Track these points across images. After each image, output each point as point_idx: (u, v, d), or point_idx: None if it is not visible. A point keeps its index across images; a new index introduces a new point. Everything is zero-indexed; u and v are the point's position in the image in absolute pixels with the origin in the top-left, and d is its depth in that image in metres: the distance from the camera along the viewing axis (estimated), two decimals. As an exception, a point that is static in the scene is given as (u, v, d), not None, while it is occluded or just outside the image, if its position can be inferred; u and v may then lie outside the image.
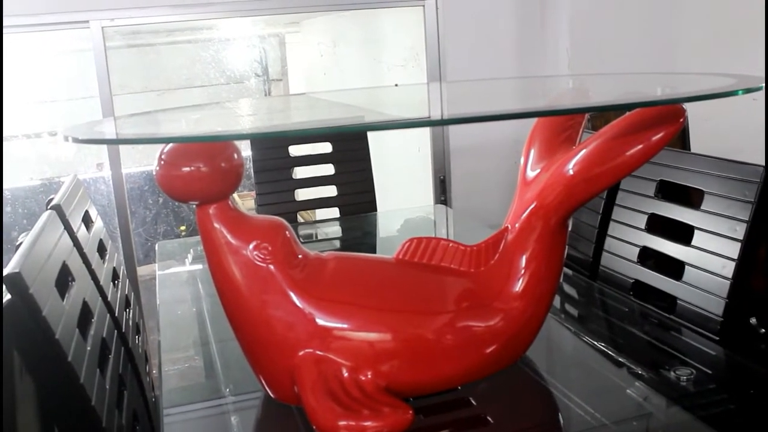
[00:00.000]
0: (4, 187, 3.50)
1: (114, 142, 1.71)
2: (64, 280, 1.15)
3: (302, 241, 2.02)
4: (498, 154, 2.85)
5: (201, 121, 1.24)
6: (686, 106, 0.96)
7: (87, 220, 1.54)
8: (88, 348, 1.08)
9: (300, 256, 1.03)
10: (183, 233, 4.32)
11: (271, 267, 0.99)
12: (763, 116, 2.31)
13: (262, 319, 1.00)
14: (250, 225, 1.01)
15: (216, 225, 1.00)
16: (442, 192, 2.88)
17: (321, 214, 2.65)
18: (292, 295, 0.99)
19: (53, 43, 3.64)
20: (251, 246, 0.99)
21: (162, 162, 0.96)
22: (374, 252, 1.91)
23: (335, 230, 2.17)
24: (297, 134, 1.99)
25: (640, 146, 0.97)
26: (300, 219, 2.27)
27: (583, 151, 1.02)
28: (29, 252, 1.02)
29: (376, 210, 2.22)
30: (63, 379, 0.96)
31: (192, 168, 0.95)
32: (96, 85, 2.49)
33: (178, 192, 0.98)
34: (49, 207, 1.33)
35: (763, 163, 1.28)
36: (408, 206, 2.49)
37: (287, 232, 1.03)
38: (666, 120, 0.97)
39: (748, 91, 0.91)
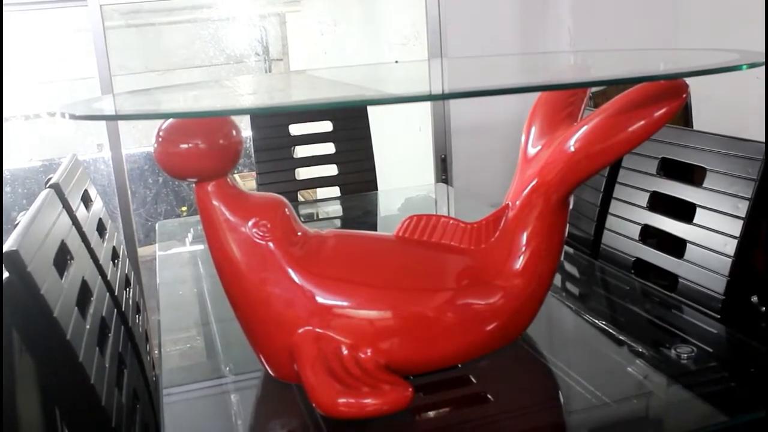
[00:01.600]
0: (4, 167, 3.50)
1: (110, 118, 1.70)
2: (62, 258, 1.14)
3: (303, 220, 2.01)
4: (500, 133, 2.83)
5: (199, 99, 1.23)
6: (689, 83, 0.95)
7: (86, 200, 1.53)
8: (87, 326, 1.08)
9: (299, 234, 1.02)
10: (184, 213, 4.31)
11: (270, 244, 0.99)
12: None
13: (261, 297, 0.99)
14: (249, 202, 1.00)
15: (215, 202, 0.99)
16: (444, 171, 2.87)
17: (322, 193, 2.64)
18: (291, 272, 0.99)
19: (52, 22, 3.61)
20: (250, 223, 0.98)
21: (160, 139, 0.95)
22: (375, 231, 1.91)
23: (336, 209, 2.17)
24: (296, 109, 1.98)
25: (642, 122, 0.97)
26: (301, 198, 2.27)
27: (585, 128, 1.01)
28: (27, 230, 1.01)
29: (376, 189, 2.22)
30: (62, 357, 0.96)
31: (190, 145, 0.94)
32: (95, 65, 2.47)
33: (176, 169, 0.97)
34: (47, 186, 1.33)
35: (764, 140, 1.28)
36: (409, 185, 2.48)
37: (286, 210, 1.02)
38: (668, 95, 0.96)
39: (751, 66, 0.90)
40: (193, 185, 1.00)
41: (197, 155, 0.95)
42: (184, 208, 4.32)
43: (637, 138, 0.98)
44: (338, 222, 2.06)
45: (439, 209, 2.11)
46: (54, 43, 3.75)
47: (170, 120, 0.96)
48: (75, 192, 1.45)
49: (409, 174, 3.28)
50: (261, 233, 0.98)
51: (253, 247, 0.98)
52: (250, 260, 0.99)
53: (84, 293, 1.15)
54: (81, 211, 1.42)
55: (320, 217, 2.09)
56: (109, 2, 2.45)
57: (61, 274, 1.07)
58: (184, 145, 0.94)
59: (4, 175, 3.50)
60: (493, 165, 2.84)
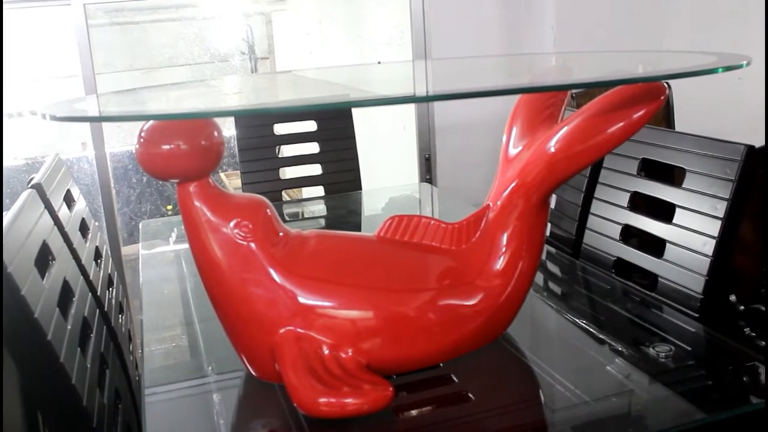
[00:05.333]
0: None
1: (92, 120, 1.69)
2: (44, 259, 1.14)
3: (288, 219, 2.02)
4: (484, 132, 2.84)
5: (183, 99, 1.23)
6: (672, 85, 0.96)
7: (69, 200, 1.53)
8: (69, 327, 1.07)
9: (281, 234, 1.03)
10: (169, 212, 4.30)
11: (252, 245, 0.99)
12: (748, 95, 2.32)
13: (243, 297, 1.00)
14: (230, 203, 1.01)
15: (196, 203, 0.99)
16: (428, 170, 2.88)
17: (306, 192, 2.64)
18: (272, 272, 0.99)
19: (36, 20, 3.59)
20: (232, 224, 0.99)
21: (141, 140, 0.95)
22: (359, 230, 1.91)
23: (320, 209, 2.17)
24: (279, 111, 1.98)
25: (621, 123, 0.98)
26: (285, 197, 2.27)
27: (565, 129, 1.02)
28: (8, 231, 1.01)
29: (361, 188, 2.22)
30: (43, 357, 0.96)
31: (172, 146, 0.94)
32: (78, 63, 2.46)
33: (158, 170, 0.97)
34: (29, 186, 1.32)
35: (744, 142, 1.29)
36: (393, 185, 2.49)
37: (268, 210, 1.02)
38: (647, 97, 0.97)
39: (728, 69, 0.91)
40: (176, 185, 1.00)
41: (179, 156, 0.95)
42: (169, 207, 4.31)
43: (617, 139, 0.99)
44: (323, 221, 2.06)
45: (423, 209, 2.11)
46: (39, 41, 3.72)
47: (152, 121, 0.97)
48: (57, 192, 1.45)
49: (393, 173, 3.28)
50: (242, 234, 0.98)
51: (234, 247, 0.99)
52: (231, 261, 0.99)
53: (65, 293, 1.15)
54: (63, 211, 1.42)
55: (305, 216, 2.09)
56: (93, 1, 2.44)
57: (42, 275, 1.06)
58: (166, 146, 0.94)
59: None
60: (477, 164, 2.85)
